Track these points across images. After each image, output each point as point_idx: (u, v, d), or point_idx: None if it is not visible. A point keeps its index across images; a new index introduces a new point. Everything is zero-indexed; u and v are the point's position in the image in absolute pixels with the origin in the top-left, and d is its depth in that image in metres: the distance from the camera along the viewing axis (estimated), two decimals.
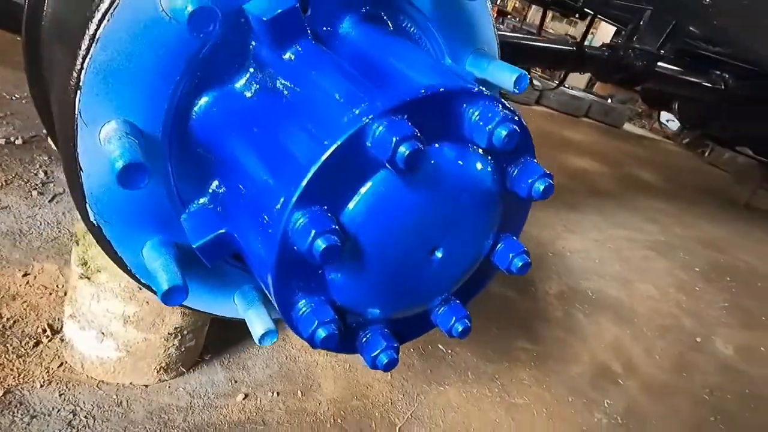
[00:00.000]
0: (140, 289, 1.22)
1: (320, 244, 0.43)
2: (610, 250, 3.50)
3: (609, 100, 8.59)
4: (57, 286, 1.60)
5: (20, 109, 2.54)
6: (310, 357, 1.66)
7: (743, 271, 4.03)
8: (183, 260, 0.62)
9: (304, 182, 0.43)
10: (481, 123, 0.47)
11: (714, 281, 3.59)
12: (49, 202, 1.98)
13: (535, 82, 3.21)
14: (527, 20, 7.91)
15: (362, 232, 0.47)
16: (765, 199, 7.07)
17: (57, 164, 2.22)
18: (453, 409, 1.66)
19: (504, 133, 0.46)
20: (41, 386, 1.28)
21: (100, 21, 0.48)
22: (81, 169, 0.54)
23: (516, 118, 0.49)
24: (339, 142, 0.43)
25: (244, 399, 1.44)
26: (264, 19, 0.50)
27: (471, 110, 0.48)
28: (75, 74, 0.50)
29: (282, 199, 0.44)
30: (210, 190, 0.62)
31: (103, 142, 0.52)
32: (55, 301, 1.53)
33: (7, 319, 1.42)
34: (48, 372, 1.32)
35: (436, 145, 0.48)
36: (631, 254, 3.59)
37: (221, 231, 0.58)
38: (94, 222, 0.58)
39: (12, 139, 2.28)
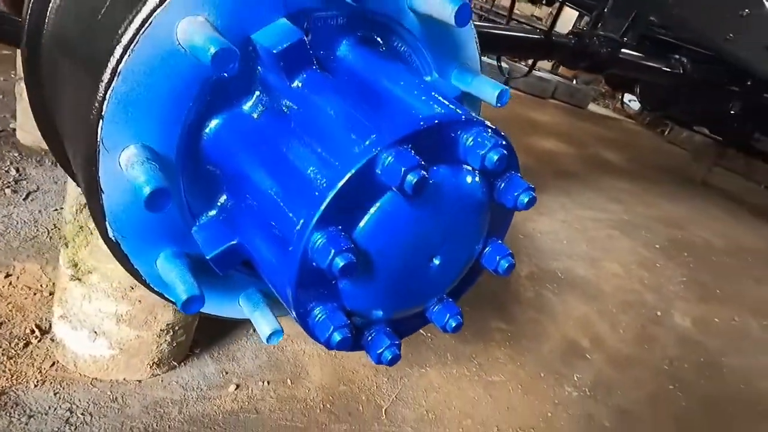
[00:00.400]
0: (132, 288, 1.26)
1: (339, 261, 0.48)
2: (577, 230, 3.64)
3: (574, 81, 8.76)
4: (41, 285, 1.60)
5: None
6: (297, 346, 1.71)
7: (700, 246, 4.25)
8: (193, 269, 0.67)
9: (323, 207, 0.48)
10: (474, 148, 0.53)
11: (673, 257, 3.79)
12: (23, 200, 1.96)
13: (504, 65, 3.27)
14: (496, 1, 7.96)
15: (371, 246, 0.53)
16: (720, 176, 7.39)
17: (28, 161, 2.19)
18: (434, 390, 1.75)
19: (495, 157, 0.52)
20: (35, 386, 1.30)
21: (122, 55, 0.52)
22: (102, 191, 0.57)
23: (504, 142, 0.55)
24: (353, 171, 0.48)
25: (235, 389, 1.49)
26: (273, 51, 0.55)
27: (465, 136, 0.54)
28: (97, 105, 0.53)
29: (302, 221, 0.49)
30: (219, 204, 0.66)
31: (124, 167, 0.55)
32: (40, 302, 1.54)
33: None
34: (41, 372, 1.34)
35: (435, 167, 0.54)
36: (596, 234, 3.75)
37: (233, 242, 0.63)
38: (113, 238, 0.61)
39: None
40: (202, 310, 0.71)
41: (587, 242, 3.50)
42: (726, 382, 2.42)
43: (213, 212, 0.66)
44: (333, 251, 0.48)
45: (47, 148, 1.76)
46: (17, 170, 2.10)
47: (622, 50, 3.30)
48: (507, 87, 0.70)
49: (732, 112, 4.87)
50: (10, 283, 1.57)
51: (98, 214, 0.59)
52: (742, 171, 7.50)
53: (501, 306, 2.36)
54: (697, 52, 3.67)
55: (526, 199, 0.57)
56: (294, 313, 0.55)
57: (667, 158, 7.57)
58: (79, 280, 1.26)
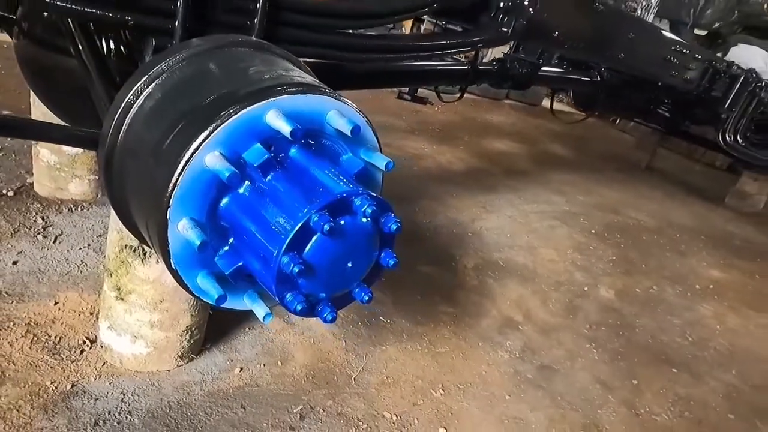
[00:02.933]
0: (162, 301, 1.75)
1: (296, 269, 0.98)
2: (521, 224, 4.19)
3: None
4: (83, 308, 2.07)
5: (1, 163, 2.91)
6: (283, 337, 2.22)
7: (632, 227, 4.83)
8: (218, 281, 1.16)
9: (286, 243, 0.98)
10: (360, 206, 1.04)
11: (606, 240, 4.35)
12: (53, 243, 2.42)
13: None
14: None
15: (313, 260, 1.03)
16: (662, 159, 8.04)
17: (49, 210, 2.64)
18: (392, 361, 2.27)
19: (370, 210, 1.03)
20: (95, 379, 1.78)
21: (179, 174, 1.01)
22: (168, 243, 1.07)
23: (385, 204, 1.06)
24: (298, 225, 0.98)
25: (240, 371, 1.99)
26: (255, 165, 1.04)
27: (357, 200, 1.04)
28: (166, 199, 1.02)
29: (276, 250, 0.99)
30: (229, 242, 1.16)
31: (181, 230, 1.05)
32: (85, 320, 2.02)
33: (55, 337, 1.90)
34: (96, 369, 1.82)
35: (343, 217, 1.04)
36: (539, 225, 4.29)
37: (239, 264, 1.13)
38: (174, 268, 1.10)
39: (4, 191, 2.67)
40: (224, 305, 1.21)
41: (529, 233, 4.05)
42: (636, 339, 2.99)
43: (226, 247, 1.16)
44: (293, 264, 0.98)
45: (63, 198, 2.32)
46: (42, 219, 2.56)
47: (543, 68, 3.88)
48: (391, 160, 1.22)
49: (652, 107, 5.53)
50: (59, 309, 2.04)
51: (165, 255, 1.09)
52: (685, 152, 8.17)
53: (448, 293, 2.89)
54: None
55: (394, 227, 1.09)
56: (276, 298, 1.06)
57: (615, 146, 8.13)
58: (122, 299, 1.75)
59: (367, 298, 1.17)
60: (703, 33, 6.25)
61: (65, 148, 2.66)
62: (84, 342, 1.91)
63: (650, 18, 7.51)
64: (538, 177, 5.65)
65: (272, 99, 1.08)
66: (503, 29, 2.15)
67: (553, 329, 2.85)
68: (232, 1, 1.44)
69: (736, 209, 6.34)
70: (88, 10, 1.28)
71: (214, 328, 2.06)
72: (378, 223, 1.10)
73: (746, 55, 5.55)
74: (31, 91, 2.60)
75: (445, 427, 2.00)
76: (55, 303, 2.06)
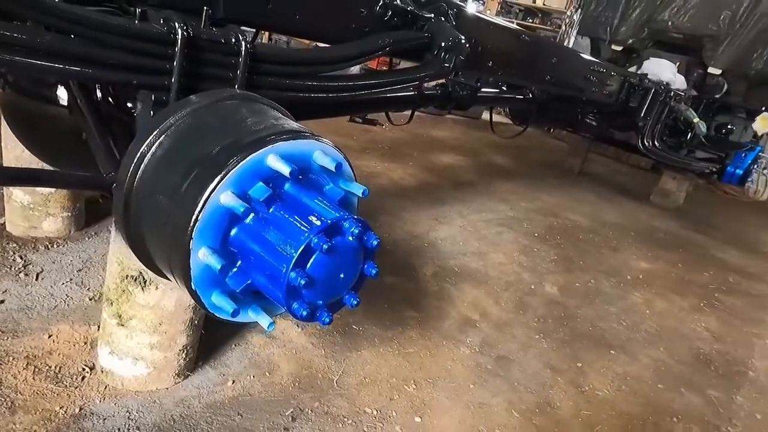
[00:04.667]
0: (161, 324, 1.93)
1: (301, 281, 1.22)
2: (471, 232, 4.54)
3: None
4: (76, 339, 2.21)
5: None
6: (268, 350, 2.42)
7: (570, 228, 5.29)
8: (230, 298, 1.39)
9: (293, 261, 1.22)
10: (349, 228, 1.29)
11: (548, 241, 4.77)
12: (35, 280, 2.52)
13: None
14: None
15: (314, 274, 1.28)
16: (594, 164, 8.69)
17: (26, 248, 2.74)
18: (368, 363, 2.51)
19: (357, 231, 1.29)
20: (100, 401, 1.93)
21: (198, 214, 1.24)
22: (191, 269, 1.29)
23: (366, 224, 1.32)
24: (302, 246, 1.23)
25: (232, 383, 2.18)
26: (260, 200, 1.28)
27: (346, 224, 1.30)
28: (189, 232, 1.25)
29: (285, 266, 1.23)
30: (237, 264, 1.39)
31: (201, 257, 1.27)
32: (80, 350, 2.15)
33: (55, 367, 2.03)
34: (100, 392, 1.97)
35: (335, 238, 1.30)
36: (487, 232, 4.66)
37: (248, 282, 1.36)
38: (194, 290, 1.32)
39: None
40: (235, 319, 1.43)
41: (479, 240, 4.40)
42: (578, 328, 3.36)
43: (235, 269, 1.39)
44: (299, 278, 1.23)
45: (37, 236, 2.47)
46: (21, 257, 2.65)
47: (482, 89, 4.27)
48: (366, 188, 1.48)
49: (579, 117, 6.09)
50: (54, 341, 2.17)
51: (187, 280, 1.31)
52: (613, 155, 8.87)
53: (412, 301, 3.17)
54: None
55: (375, 242, 1.36)
56: (284, 307, 1.30)
57: (550, 154, 8.71)
58: (123, 325, 1.92)
59: (355, 302, 1.43)
60: (620, 48, 6.90)
61: (39, 188, 2.77)
62: (83, 369, 2.05)
63: (573, 35, 8.18)
64: (484, 187, 6.06)
65: (271, 146, 1.33)
66: (446, 65, 2.47)
67: (506, 324, 3.18)
68: (217, 58, 1.67)
69: (659, 206, 7.00)
70: (99, 74, 1.48)
71: (204, 346, 2.24)
72: (362, 240, 1.36)
73: (657, 68, 6.20)
74: (1, 135, 2.71)
75: (420, 416, 2.26)
76: (49, 336, 2.18)
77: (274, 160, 1.31)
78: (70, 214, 2.92)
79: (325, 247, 1.24)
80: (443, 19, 2.55)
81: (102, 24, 1.44)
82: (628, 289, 4.13)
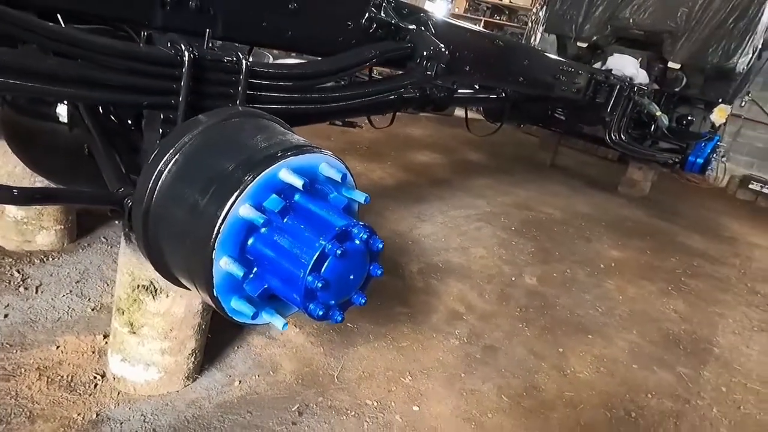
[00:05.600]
0: (171, 330, 2.02)
1: (318, 284, 1.34)
2: (451, 228, 4.70)
3: None
4: (84, 349, 2.27)
5: None
6: (270, 351, 2.53)
7: (545, 221, 5.51)
8: (248, 302, 1.50)
9: (310, 266, 1.34)
10: (357, 233, 1.42)
11: (525, 235, 4.97)
12: (36, 293, 2.57)
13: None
14: None
15: (328, 277, 1.40)
16: (564, 156, 8.97)
17: (22, 262, 2.77)
18: (365, 359, 2.64)
19: (365, 236, 1.42)
20: (114, 407, 2.01)
21: (219, 227, 1.35)
22: (213, 277, 1.39)
23: (371, 229, 1.45)
24: (317, 253, 1.35)
25: (239, 384, 2.28)
26: (275, 210, 1.40)
27: (358, 232, 1.43)
28: (211, 244, 1.36)
29: (302, 271, 1.35)
30: (254, 270, 1.50)
31: (223, 266, 1.38)
32: (89, 359, 2.22)
33: (67, 376, 2.10)
34: (114, 398, 2.05)
35: (346, 243, 1.42)
36: (467, 227, 4.83)
37: (265, 286, 1.48)
38: (216, 296, 1.43)
39: None
40: (251, 322, 1.55)
41: (460, 236, 4.57)
42: (558, 315, 3.56)
43: (252, 275, 1.51)
44: (316, 281, 1.35)
45: (31, 250, 2.55)
46: (18, 272, 2.69)
47: (458, 91, 4.43)
48: (367, 195, 1.61)
49: (550, 113, 6.32)
50: (62, 352, 2.23)
51: (210, 288, 1.42)
52: (582, 148, 9.18)
53: (402, 297, 3.31)
54: None
55: (380, 245, 1.49)
56: (302, 309, 1.42)
57: (522, 149, 8.97)
58: (134, 333, 2.00)
59: (363, 301, 1.56)
60: (585, 45, 7.17)
61: None
62: (95, 377, 2.12)
63: (540, 31, 8.44)
64: (461, 184, 6.23)
65: (283, 161, 1.45)
66: (428, 72, 2.62)
67: (491, 315, 3.35)
68: (220, 77, 1.78)
69: (627, 195, 7.32)
70: (110, 96, 1.57)
71: (209, 350, 2.34)
72: (368, 244, 1.50)
73: (620, 63, 6.50)
74: None
75: (417, 405, 2.41)
76: (57, 347, 2.25)
77: (286, 174, 1.43)
78: (63, 226, 2.96)
79: (338, 252, 1.36)
80: (423, 29, 2.69)
81: (112, 49, 1.53)
82: (601, 277, 4.36)
